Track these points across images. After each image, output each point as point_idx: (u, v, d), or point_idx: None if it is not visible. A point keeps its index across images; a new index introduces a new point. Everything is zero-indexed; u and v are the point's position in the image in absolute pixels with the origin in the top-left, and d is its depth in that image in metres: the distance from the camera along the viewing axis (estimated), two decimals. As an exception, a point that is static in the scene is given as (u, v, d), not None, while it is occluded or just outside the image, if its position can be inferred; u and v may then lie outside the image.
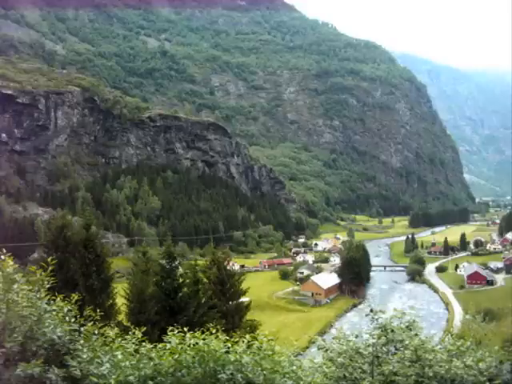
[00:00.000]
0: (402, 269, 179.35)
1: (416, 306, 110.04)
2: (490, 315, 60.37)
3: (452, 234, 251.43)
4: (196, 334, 6.58)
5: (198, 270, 29.96)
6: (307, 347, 49.72)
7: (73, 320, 6.68)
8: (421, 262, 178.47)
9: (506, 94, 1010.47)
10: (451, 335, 7.81)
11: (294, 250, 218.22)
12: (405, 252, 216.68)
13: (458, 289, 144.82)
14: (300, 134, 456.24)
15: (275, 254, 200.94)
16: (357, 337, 7.34)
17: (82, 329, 6.65)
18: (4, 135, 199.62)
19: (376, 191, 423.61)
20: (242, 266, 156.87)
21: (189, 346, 6.36)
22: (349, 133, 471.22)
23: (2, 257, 6.88)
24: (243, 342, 6.68)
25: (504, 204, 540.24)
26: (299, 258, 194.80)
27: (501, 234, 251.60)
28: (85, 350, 6.33)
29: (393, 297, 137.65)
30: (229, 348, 6.40)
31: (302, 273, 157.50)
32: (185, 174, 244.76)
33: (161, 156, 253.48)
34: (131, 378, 6.01)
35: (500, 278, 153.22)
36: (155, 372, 6.15)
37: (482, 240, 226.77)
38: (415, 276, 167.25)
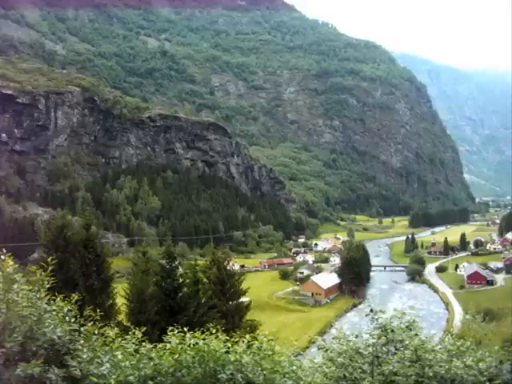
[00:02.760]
0: (402, 269, 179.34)
1: (416, 305, 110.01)
2: (490, 315, 60.35)
3: (452, 233, 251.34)
4: (196, 334, 6.58)
5: (198, 269, 29.95)
6: (307, 347, 49.74)
7: (73, 320, 6.67)
8: (421, 262, 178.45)
9: (506, 94, 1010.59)
10: (451, 335, 7.81)
11: (294, 250, 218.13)
12: (405, 252, 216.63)
13: (457, 289, 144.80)
14: (300, 134, 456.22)
15: (275, 254, 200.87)
16: (357, 337, 7.34)
17: (82, 329, 6.65)
18: (4, 135, 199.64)
19: (376, 191, 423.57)
20: (242, 266, 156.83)
21: (189, 346, 6.36)
22: (349, 133, 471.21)
23: (2, 257, 6.88)
24: (243, 341, 6.67)
25: (504, 204, 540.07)
26: (299, 258, 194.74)
27: (501, 233, 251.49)
28: (85, 349, 6.33)
29: (393, 297, 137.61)
30: (229, 348, 6.40)
31: (302, 273, 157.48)
32: (185, 174, 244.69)
33: (161, 156, 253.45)
34: (131, 377, 6.01)
35: (500, 278, 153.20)
36: (155, 372, 6.15)
37: (482, 240, 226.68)
38: (415, 276, 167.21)
